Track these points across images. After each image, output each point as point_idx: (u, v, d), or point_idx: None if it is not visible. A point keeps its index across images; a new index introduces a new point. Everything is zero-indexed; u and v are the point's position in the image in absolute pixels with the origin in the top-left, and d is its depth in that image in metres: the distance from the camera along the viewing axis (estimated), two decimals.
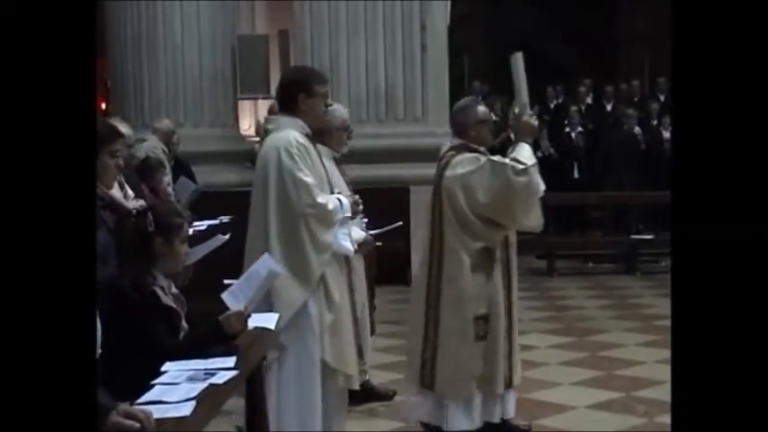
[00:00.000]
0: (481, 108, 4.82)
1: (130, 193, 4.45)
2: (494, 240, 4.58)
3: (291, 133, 4.15)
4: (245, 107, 12.17)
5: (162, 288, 3.43)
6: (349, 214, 4.29)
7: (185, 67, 10.49)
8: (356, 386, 4.48)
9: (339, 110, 5.14)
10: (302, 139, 4.16)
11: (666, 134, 12.11)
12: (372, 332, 6.37)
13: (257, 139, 6.98)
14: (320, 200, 4.11)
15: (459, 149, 4.67)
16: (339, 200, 4.23)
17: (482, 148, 4.70)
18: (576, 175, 12.50)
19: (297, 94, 4.19)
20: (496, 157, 4.56)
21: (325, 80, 4.36)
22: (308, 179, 4.08)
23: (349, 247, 4.31)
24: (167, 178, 7.15)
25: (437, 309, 4.61)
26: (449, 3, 10.50)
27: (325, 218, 4.14)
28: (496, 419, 4.67)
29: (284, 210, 4.09)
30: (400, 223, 5.73)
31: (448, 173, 4.60)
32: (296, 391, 4.17)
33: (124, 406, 2.45)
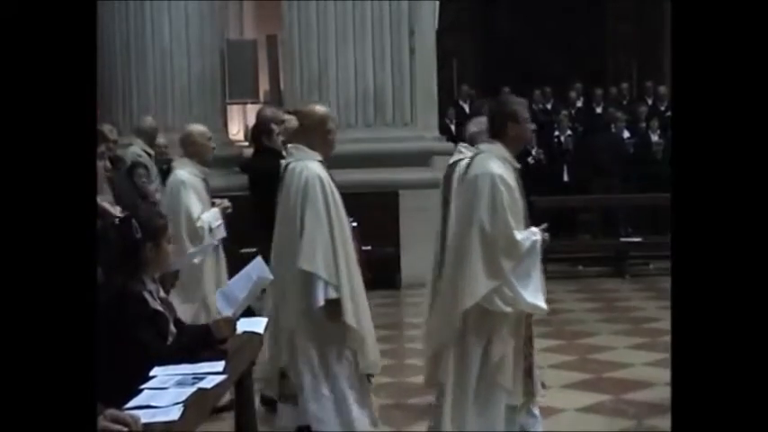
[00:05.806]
0: None
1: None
2: None
3: None
4: (234, 112, 12.16)
5: (150, 293, 3.42)
6: None
7: (174, 71, 10.49)
8: None
9: None
10: None
11: (655, 137, 12.14)
12: None
13: (246, 143, 6.98)
14: None
15: None
16: None
17: None
18: (565, 178, 12.50)
19: None
20: None
21: None
22: None
23: None
24: (155, 184, 7.09)
25: None
26: (437, 7, 10.52)
27: None
28: None
29: None
30: None
31: None
32: None
33: (112, 410, 2.45)
